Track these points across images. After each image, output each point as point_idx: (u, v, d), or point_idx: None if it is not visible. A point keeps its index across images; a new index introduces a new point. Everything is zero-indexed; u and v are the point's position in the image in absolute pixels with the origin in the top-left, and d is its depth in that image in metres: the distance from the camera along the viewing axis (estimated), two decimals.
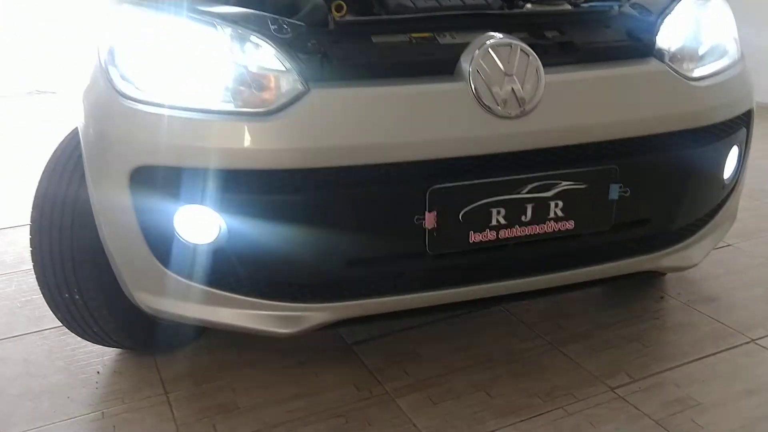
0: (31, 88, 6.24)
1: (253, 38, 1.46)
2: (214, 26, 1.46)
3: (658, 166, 1.66)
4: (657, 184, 1.68)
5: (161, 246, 1.50)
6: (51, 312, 1.80)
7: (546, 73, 1.53)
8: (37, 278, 1.76)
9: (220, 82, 1.45)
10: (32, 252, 1.74)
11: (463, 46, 1.52)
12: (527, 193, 1.54)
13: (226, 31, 1.46)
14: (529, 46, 1.54)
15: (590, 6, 1.78)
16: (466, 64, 1.49)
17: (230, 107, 1.43)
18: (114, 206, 1.50)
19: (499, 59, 1.49)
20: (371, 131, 1.44)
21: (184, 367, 1.93)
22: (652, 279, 2.36)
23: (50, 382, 1.89)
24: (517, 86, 1.49)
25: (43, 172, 1.76)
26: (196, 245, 1.48)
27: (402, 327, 2.09)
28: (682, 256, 1.81)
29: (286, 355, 1.97)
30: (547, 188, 1.56)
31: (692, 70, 1.72)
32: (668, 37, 1.70)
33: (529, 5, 1.77)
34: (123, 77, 1.48)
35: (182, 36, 1.47)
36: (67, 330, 1.88)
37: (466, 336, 2.05)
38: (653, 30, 1.70)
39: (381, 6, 1.70)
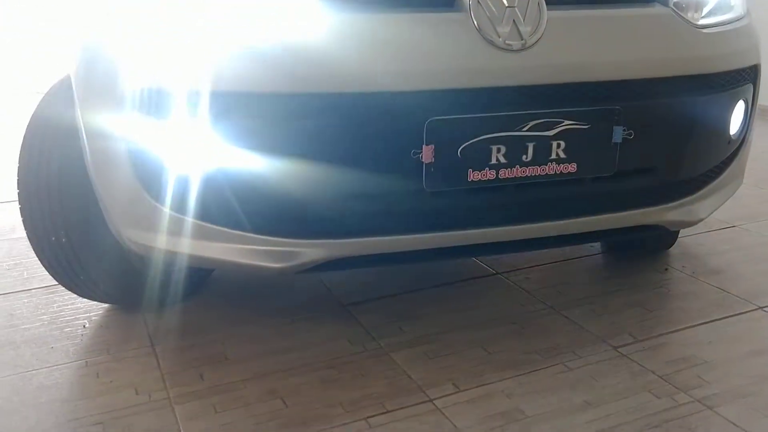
0: (36, 88, 6.24)
1: None
2: None
3: (663, 111, 1.61)
4: (661, 131, 1.63)
5: (151, 178, 1.45)
6: (40, 275, 1.75)
7: (549, 9, 1.49)
8: (23, 222, 1.71)
9: None
10: (19, 194, 1.69)
11: None
12: (528, 130, 1.50)
13: None
14: None
15: None
16: None
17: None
18: (103, 136, 1.46)
19: None
20: (369, 59, 1.40)
21: (172, 323, 1.88)
22: (657, 248, 2.31)
23: (34, 334, 1.82)
24: (519, 18, 1.46)
25: (31, 117, 1.72)
26: (188, 176, 1.44)
27: (399, 290, 2.03)
28: (688, 210, 1.75)
29: (279, 313, 1.91)
30: (549, 126, 1.51)
31: (697, 19, 1.69)
32: None
33: None
34: None
35: None
36: (55, 290, 1.83)
37: (465, 299, 1.99)
38: None
39: None
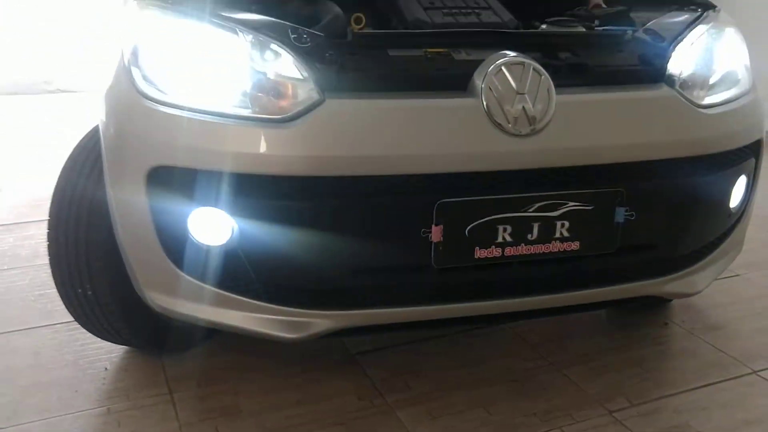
0: (53, 86, 6.36)
1: (273, 46, 1.50)
2: (236, 32, 1.51)
3: (665, 191, 1.68)
4: (663, 210, 1.70)
5: (174, 246, 1.54)
6: (63, 307, 1.85)
7: (557, 93, 1.56)
8: (52, 272, 1.80)
9: (238, 87, 1.49)
10: (48, 246, 1.78)
11: (477, 63, 1.55)
12: (534, 211, 1.57)
13: (246, 38, 1.50)
14: (542, 65, 1.58)
15: (604, 30, 1.82)
16: (479, 81, 1.52)
17: (247, 113, 1.47)
18: (130, 205, 1.55)
19: (512, 77, 1.52)
20: (383, 143, 1.48)
21: (189, 368, 1.97)
22: (657, 305, 2.37)
23: (59, 375, 1.92)
24: (528, 105, 1.52)
25: (62, 169, 1.81)
26: (208, 247, 1.52)
27: (406, 340, 2.11)
28: (686, 282, 1.82)
29: (290, 361, 2.00)
30: (554, 208, 1.58)
31: (702, 97, 1.75)
32: (679, 63, 1.73)
33: (544, 26, 1.81)
34: (145, 78, 1.53)
35: (204, 41, 1.52)
36: (77, 325, 1.92)
37: (470, 353, 2.07)
38: (665, 56, 1.72)
39: (399, 20, 1.76)
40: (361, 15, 1.76)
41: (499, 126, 1.51)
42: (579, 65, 1.65)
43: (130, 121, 1.54)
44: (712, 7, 2.00)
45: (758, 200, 1.98)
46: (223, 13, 1.57)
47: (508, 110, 1.51)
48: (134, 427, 1.72)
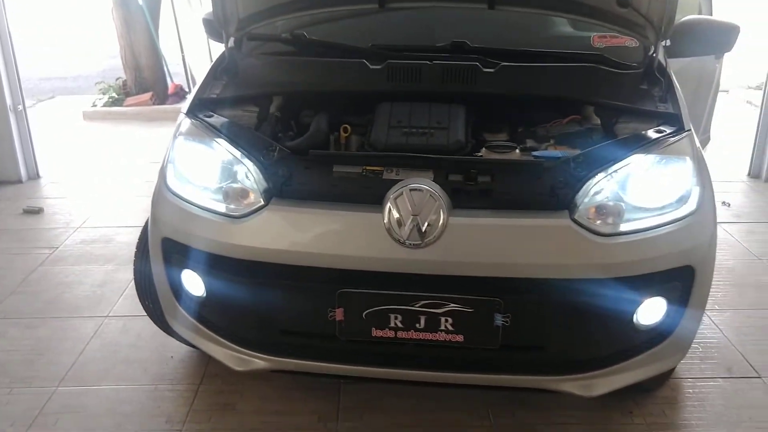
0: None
1: (244, 160, 2.07)
2: (220, 150, 2.11)
3: (546, 304, 1.93)
4: (545, 319, 1.94)
5: (177, 291, 2.22)
6: None
7: (453, 215, 1.91)
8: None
9: (214, 189, 2.10)
10: (134, 276, 2.58)
11: (393, 184, 1.96)
12: (420, 307, 1.95)
13: (226, 154, 2.09)
14: (451, 189, 1.93)
15: (524, 159, 2.07)
16: (386, 200, 1.93)
17: (220, 208, 2.07)
18: (155, 260, 2.25)
19: (411, 200, 1.90)
20: (301, 241, 1.97)
21: (223, 368, 2.63)
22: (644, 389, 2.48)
23: (141, 356, 2.75)
24: (420, 224, 1.89)
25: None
26: (193, 296, 2.17)
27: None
28: (582, 384, 2.02)
29: (291, 376, 2.57)
30: (438, 306, 1.94)
31: (611, 225, 1.93)
32: (591, 193, 1.93)
33: (484, 149, 2.12)
34: (173, 176, 2.21)
35: (203, 158, 2.15)
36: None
37: (432, 402, 2.44)
38: (575, 186, 1.94)
39: (368, 135, 2.20)
40: (347, 125, 2.26)
41: (393, 238, 1.91)
42: (485, 191, 1.96)
43: (157, 204, 2.23)
44: (683, 130, 2.11)
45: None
46: (228, 129, 2.18)
47: (403, 226, 1.90)
48: (160, 404, 2.46)
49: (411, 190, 1.92)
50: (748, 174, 4.90)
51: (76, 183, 4.94)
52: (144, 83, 7.29)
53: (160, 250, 2.19)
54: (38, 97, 8.08)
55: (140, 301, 2.60)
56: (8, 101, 4.81)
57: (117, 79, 7.53)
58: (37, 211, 4.35)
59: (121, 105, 7.13)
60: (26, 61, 10.22)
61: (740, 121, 6.08)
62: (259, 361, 2.14)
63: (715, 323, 2.95)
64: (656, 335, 2.04)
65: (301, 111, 2.43)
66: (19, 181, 4.92)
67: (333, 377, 2.16)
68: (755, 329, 2.91)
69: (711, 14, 3.49)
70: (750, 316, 3.01)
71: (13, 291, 3.30)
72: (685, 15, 2.82)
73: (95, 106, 7.16)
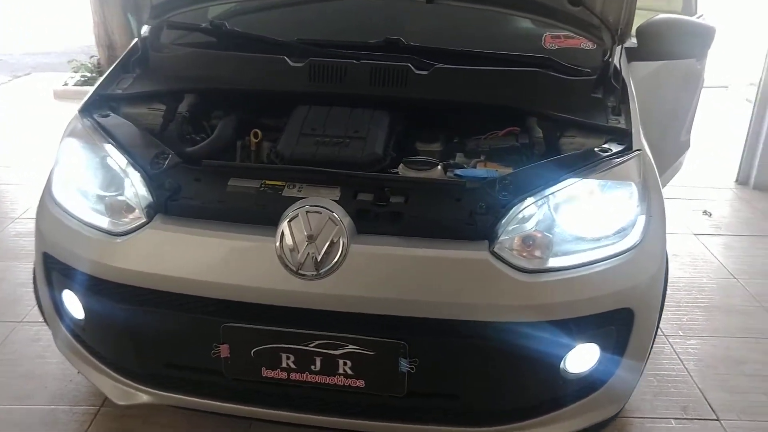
0: None
1: (130, 170, 1.82)
2: (104, 156, 1.86)
3: (458, 349, 1.68)
4: (458, 365, 1.70)
5: (59, 311, 1.98)
6: None
7: (356, 241, 1.66)
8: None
9: (98, 201, 1.85)
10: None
11: (291, 203, 1.71)
12: (315, 347, 1.70)
13: (113, 163, 1.84)
14: (357, 211, 1.68)
15: (443, 179, 1.81)
16: (281, 223, 1.68)
17: (100, 223, 1.82)
18: (38, 275, 2.01)
19: (308, 223, 1.65)
20: (182, 266, 1.73)
21: None
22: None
23: (45, 370, 2.52)
24: (317, 251, 1.64)
25: None
26: (74, 318, 1.93)
27: None
28: None
29: None
30: (335, 347, 1.70)
31: (539, 258, 1.68)
32: (516, 222, 1.69)
33: (402, 165, 1.86)
34: (57, 184, 1.96)
35: (88, 164, 1.90)
36: None
37: None
38: (498, 212, 1.69)
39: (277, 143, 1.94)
40: (258, 130, 2.01)
41: (286, 266, 1.66)
42: (393, 214, 1.70)
43: (39, 213, 1.98)
44: (631, 149, 1.85)
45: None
46: (119, 131, 1.93)
47: (296, 254, 1.65)
48: (51, 429, 2.23)
49: (308, 211, 1.67)
50: (736, 180, 4.60)
51: (31, 168, 4.69)
52: None
53: (42, 266, 1.95)
54: (15, 74, 7.82)
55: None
56: None
57: (91, 57, 7.24)
58: None
59: (93, 84, 6.84)
60: (11, 36, 10.03)
61: (735, 122, 5.78)
62: (142, 395, 1.90)
63: (676, 352, 2.69)
64: (587, 385, 1.79)
65: (213, 111, 2.18)
66: None
67: (222, 416, 1.93)
68: (719, 361, 2.66)
69: (694, 12, 3.19)
70: (715, 346, 2.76)
71: None
72: (659, 13, 2.54)
73: (66, 84, 6.89)
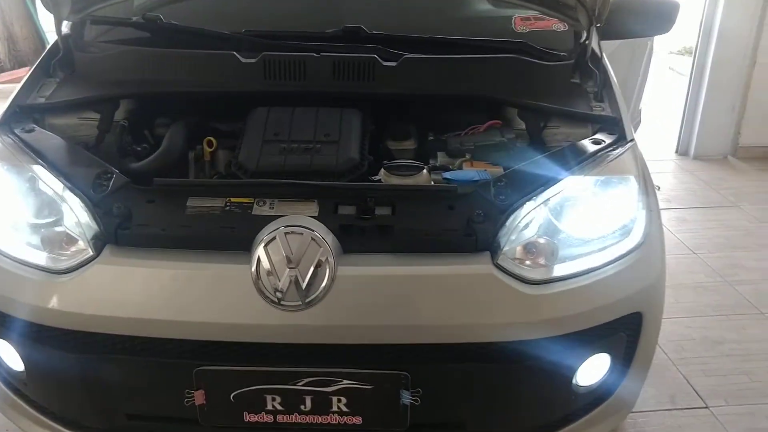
0: None
1: (68, 195, 1.54)
2: (36, 181, 1.58)
3: (465, 375, 1.52)
4: (464, 393, 1.54)
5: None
6: None
7: (343, 263, 1.46)
8: None
9: (31, 233, 1.57)
10: None
11: (265, 224, 1.49)
12: (304, 385, 1.50)
13: (46, 188, 1.56)
14: (340, 227, 1.48)
15: (433, 185, 1.64)
16: (255, 247, 1.46)
17: (36, 259, 1.54)
18: None
19: (287, 245, 1.44)
20: (144, 306, 1.48)
21: None
22: None
23: None
24: (300, 278, 1.44)
25: None
26: (12, 370, 1.65)
27: None
28: None
29: None
30: (327, 383, 1.50)
31: (544, 267, 1.53)
32: (517, 229, 1.52)
33: (383, 170, 1.67)
34: None
35: (15, 191, 1.60)
36: None
37: None
38: (497, 219, 1.52)
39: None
40: (211, 138, 1.76)
41: (265, 297, 1.45)
42: (381, 228, 1.51)
43: None
44: (624, 139, 1.72)
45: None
46: (50, 149, 1.64)
47: (276, 282, 1.44)
48: None
49: (288, 233, 1.45)
50: (676, 151, 4.63)
51: None
52: (20, 56, 6.42)
53: None
54: None
55: None
56: None
57: None
58: None
59: None
60: None
61: (663, 90, 5.84)
62: None
63: None
64: (596, 397, 1.66)
65: (157, 118, 1.91)
66: None
67: None
68: (696, 343, 2.61)
69: None
70: (689, 326, 2.71)
71: None
72: None
73: None
